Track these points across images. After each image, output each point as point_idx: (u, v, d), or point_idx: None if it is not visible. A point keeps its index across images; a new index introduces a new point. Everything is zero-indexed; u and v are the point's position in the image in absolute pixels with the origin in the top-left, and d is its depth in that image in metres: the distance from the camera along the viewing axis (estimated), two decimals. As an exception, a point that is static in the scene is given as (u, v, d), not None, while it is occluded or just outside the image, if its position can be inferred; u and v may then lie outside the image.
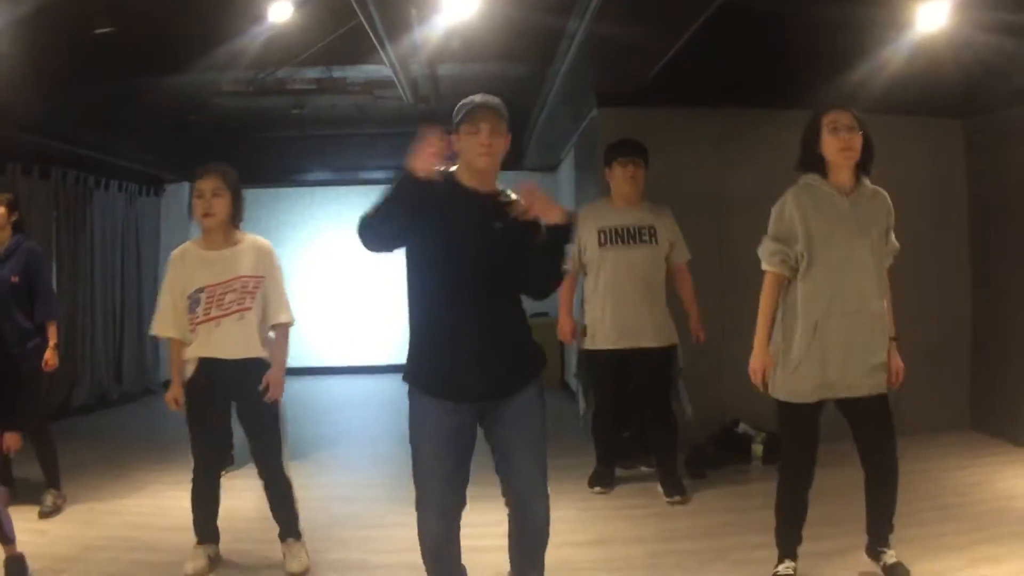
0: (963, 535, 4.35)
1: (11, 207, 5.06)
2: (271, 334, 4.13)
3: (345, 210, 10.48)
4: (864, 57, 5.36)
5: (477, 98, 3.04)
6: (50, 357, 4.94)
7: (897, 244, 3.78)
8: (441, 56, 5.79)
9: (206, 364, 3.97)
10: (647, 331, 5.09)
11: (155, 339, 5.54)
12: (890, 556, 3.73)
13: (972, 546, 4.22)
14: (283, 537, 4.17)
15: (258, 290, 4.01)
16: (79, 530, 4.92)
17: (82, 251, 8.66)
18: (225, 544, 4.31)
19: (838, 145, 3.54)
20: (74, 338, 8.44)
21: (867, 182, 3.68)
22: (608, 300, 5.13)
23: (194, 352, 3.99)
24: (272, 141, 9.36)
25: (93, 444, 7.12)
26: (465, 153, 3.04)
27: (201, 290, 3.91)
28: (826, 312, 3.55)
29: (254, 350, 4.02)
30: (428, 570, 3.11)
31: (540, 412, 3.14)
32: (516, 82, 6.66)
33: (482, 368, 2.97)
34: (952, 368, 6.86)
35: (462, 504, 3.10)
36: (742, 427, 5.95)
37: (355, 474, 6.21)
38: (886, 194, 3.75)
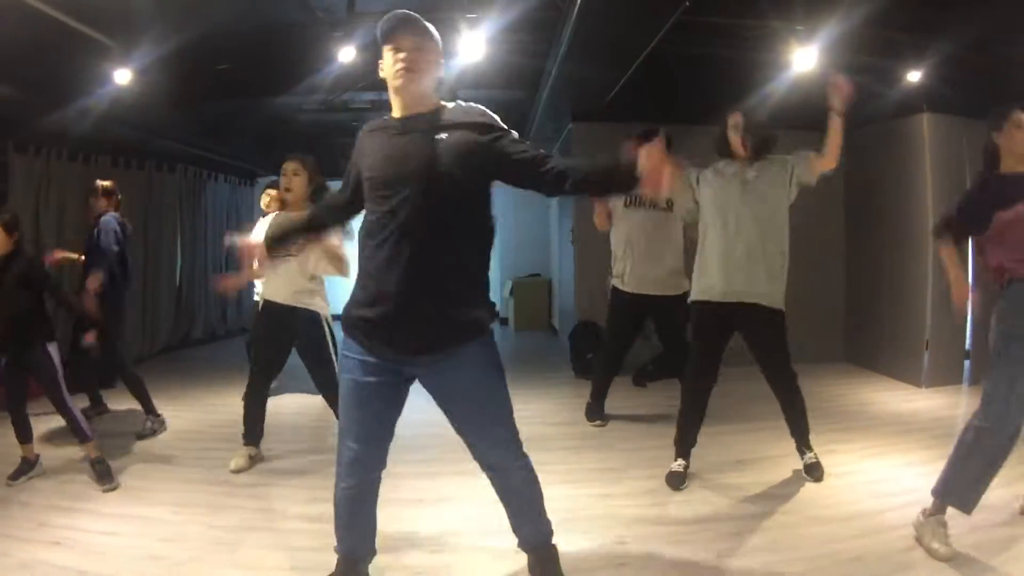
0: (822, 429, 4.43)
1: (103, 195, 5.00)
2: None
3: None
4: (758, 86, 5.35)
5: (398, 13, 2.22)
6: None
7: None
8: (460, 84, 5.93)
9: (267, 304, 4.00)
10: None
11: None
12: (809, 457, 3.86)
13: (828, 434, 4.49)
14: None
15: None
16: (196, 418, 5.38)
17: (198, 227, 8.93)
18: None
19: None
20: (192, 290, 8.81)
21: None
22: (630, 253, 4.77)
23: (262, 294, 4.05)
24: (336, 146, 9.62)
25: (206, 367, 7.47)
26: (387, 77, 2.26)
27: None
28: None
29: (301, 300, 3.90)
30: (336, 517, 2.59)
31: (484, 374, 2.33)
32: (514, 103, 6.86)
33: (403, 325, 2.20)
34: (829, 313, 7.05)
35: (379, 461, 2.48)
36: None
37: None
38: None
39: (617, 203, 4.76)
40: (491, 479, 2.48)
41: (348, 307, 2.32)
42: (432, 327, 2.20)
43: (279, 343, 4.09)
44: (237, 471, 4.01)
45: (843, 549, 3.00)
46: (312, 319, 3.97)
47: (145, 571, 2.85)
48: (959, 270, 3.16)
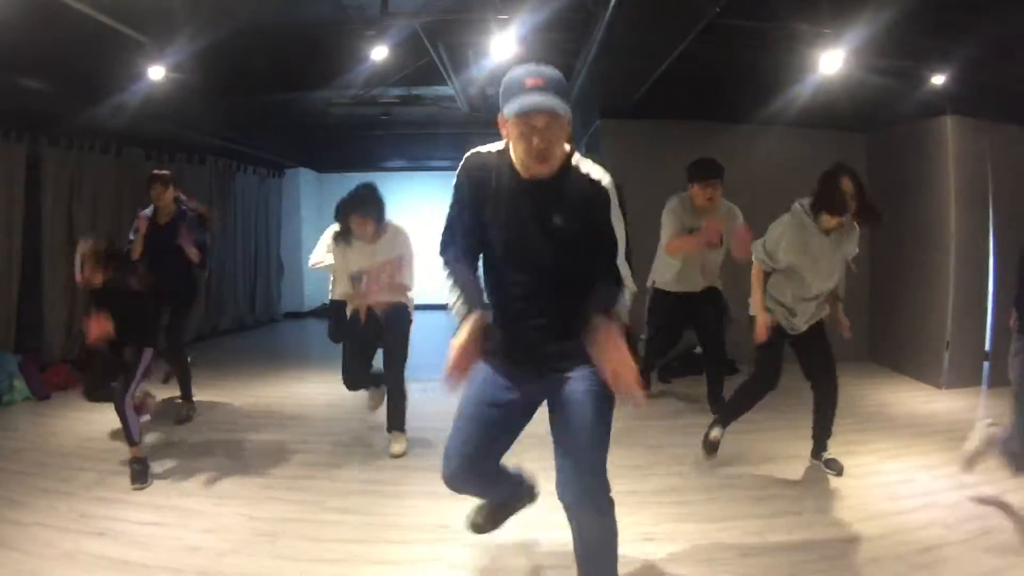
0: (843, 429, 4.40)
1: (175, 184, 5.08)
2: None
3: (417, 188, 10.91)
4: (786, 87, 5.56)
5: (528, 84, 2.05)
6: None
7: None
8: (489, 81, 6.08)
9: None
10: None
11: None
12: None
13: (847, 434, 4.50)
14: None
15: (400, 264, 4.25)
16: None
17: (229, 217, 9.02)
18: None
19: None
20: (222, 280, 8.91)
21: None
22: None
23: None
24: (364, 138, 9.61)
25: (237, 357, 7.59)
26: (516, 152, 2.15)
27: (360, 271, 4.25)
28: None
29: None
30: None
31: (601, 394, 2.19)
32: None
33: (543, 337, 2.26)
34: (853, 313, 7.10)
35: (489, 468, 2.45)
36: (697, 350, 5.73)
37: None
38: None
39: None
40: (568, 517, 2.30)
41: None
42: (549, 361, 2.30)
43: (370, 337, 4.44)
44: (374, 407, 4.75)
45: (861, 550, 3.06)
46: (405, 315, 4.36)
47: (187, 561, 2.94)
48: None
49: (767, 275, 3.92)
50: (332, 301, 5.12)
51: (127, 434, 3.85)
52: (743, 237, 4.01)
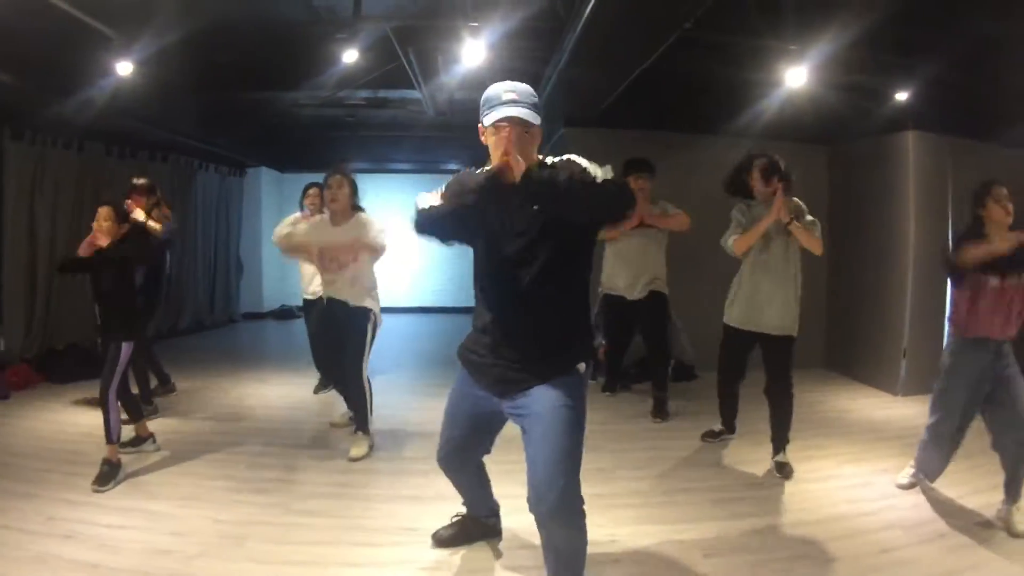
0: (801, 435, 4.60)
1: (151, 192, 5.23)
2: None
3: (379, 189, 10.85)
4: (751, 100, 5.70)
5: (504, 98, 2.34)
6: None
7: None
8: (458, 87, 6.06)
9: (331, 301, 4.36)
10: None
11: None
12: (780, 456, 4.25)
13: (807, 439, 4.69)
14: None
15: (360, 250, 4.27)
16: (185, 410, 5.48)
17: (189, 216, 8.91)
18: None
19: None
20: (182, 279, 8.80)
21: None
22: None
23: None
24: (328, 139, 9.48)
25: (197, 358, 7.50)
26: (493, 157, 2.39)
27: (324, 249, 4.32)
28: None
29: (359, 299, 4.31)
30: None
31: (560, 411, 2.37)
32: None
33: (496, 362, 2.48)
34: (811, 321, 7.29)
35: (480, 457, 2.90)
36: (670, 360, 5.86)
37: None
38: None
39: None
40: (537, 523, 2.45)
41: (465, 342, 2.67)
42: (519, 367, 2.50)
43: (337, 334, 4.43)
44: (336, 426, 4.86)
45: (820, 551, 3.18)
46: (364, 313, 4.33)
47: (157, 565, 2.95)
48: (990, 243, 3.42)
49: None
50: (305, 300, 5.38)
51: (106, 430, 3.86)
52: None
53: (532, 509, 2.38)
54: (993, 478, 3.67)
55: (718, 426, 4.76)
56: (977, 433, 4.30)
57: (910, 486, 3.96)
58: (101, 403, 3.90)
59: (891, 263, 6.21)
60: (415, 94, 6.50)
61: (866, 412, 5.61)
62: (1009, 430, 3.44)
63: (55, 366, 6.17)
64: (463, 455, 2.84)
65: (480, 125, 2.41)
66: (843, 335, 7.04)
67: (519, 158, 2.26)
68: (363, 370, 4.37)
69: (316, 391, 5.89)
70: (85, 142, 6.90)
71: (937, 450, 3.75)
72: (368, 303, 4.34)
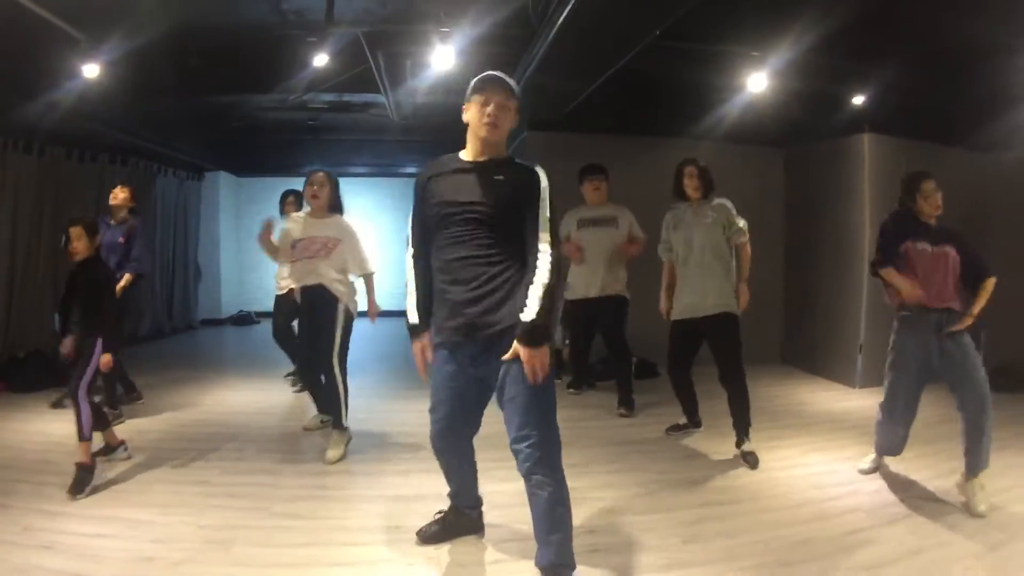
0: (764, 426, 4.90)
1: (132, 193, 5.55)
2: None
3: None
4: (714, 105, 5.88)
5: (493, 72, 2.69)
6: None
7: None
8: (423, 91, 6.08)
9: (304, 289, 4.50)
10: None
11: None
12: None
13: (770, 431, 4.92)
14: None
15: (335, 248, 4.46)
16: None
17: (148, 220, 8.66)
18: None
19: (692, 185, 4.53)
20: (140, 285, 8.77)
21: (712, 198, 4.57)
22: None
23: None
24: (289, 143, 9.47)
25: (158, 365, 7.42)
26: (471, 123, 2.69)
27: (299, 240, 4.45)
28: None
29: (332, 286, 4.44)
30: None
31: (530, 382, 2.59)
32: None
33: (465, 312, 2.66)
34: (768, 318, 7.48)
35: (469, 436, 3.02)
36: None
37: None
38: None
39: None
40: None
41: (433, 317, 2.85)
42: (483, 317, 2.71)
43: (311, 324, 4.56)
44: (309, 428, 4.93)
45: (792, 533, 3.35)
46: (332, 300, 4.43)
47: (143, 572, 2.93)
48: (903, 279, 3.78)
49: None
50: (276, 296, 5.61)
51: (78, 427, 3.85)
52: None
53: (522, 467, 2.66)
54: (954, 462, 3.88)
55: (682, 419, 4.95)
56: (939, 418, 4.55)
57: (871, 471, 4.17)
58: (72, 399, 3.89)
59: (847, 261, 6.45)
60: (380, 98, 6.52)
61: (826, 404, 5.83)
62: (968, 397, 3.65)
63: (16, 374, 6.08)
64: (461, 430, 2.98)
65: (464, 106, 2.72)
66: (800, 331, 7.27)
67: None
68: (334, 362, 4.42)
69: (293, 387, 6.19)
70: (46, 146, 6.79)
71: (891, 425, 3.98)
72: (339, 291, 4.44)
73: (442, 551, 3.17)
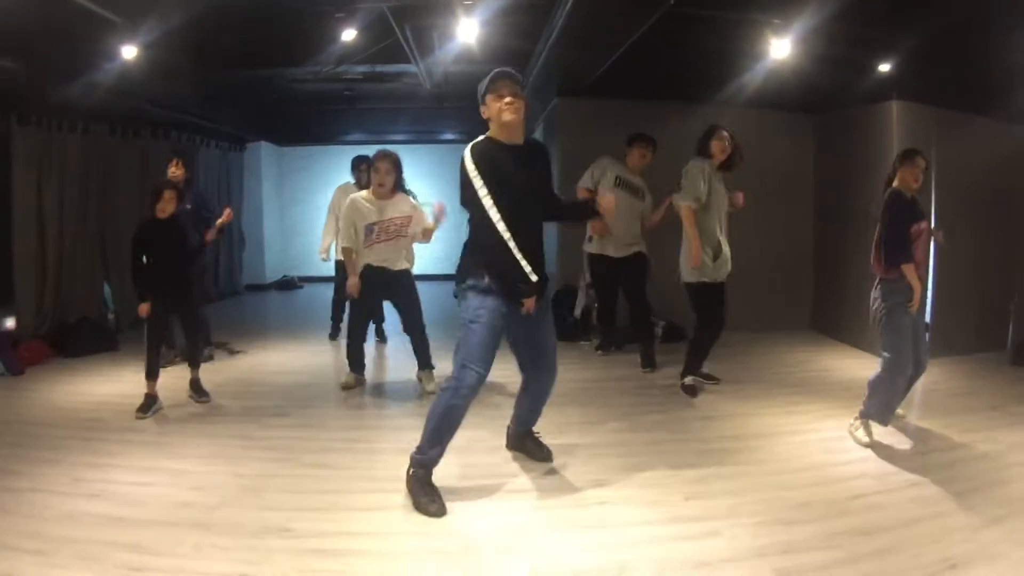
0: (783, 391, 5.13)
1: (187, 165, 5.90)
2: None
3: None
4: (740, 71, 5.90)
5: (497, 70, 3.18)
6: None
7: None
8: (452, 60, 6.24)
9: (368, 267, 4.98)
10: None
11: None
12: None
13: (788, 396, 5.04)
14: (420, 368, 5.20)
15: (408, 226, 4.94)
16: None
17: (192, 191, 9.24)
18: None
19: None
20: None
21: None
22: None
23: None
24: (326, 113, 9.69)
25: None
26: (494, 115, 3.20)
27: (375, 224, 4.89)
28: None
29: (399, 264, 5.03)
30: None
31: (547, 318, 3.50)
32: None
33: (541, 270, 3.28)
34: (799, 285, 7.60)
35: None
36: (652, 317, 6.23)
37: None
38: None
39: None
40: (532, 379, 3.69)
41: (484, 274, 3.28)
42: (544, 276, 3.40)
43: (376, 295, 5.23)
44: (347, 388, 5.20)
45: (795, 496, 3.45)
46: (410, 279, 5.13)
47: (181, 515, 3.22)
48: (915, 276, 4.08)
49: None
50: (337, 262, 6.04)
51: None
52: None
53: (536, 374, 3.61)
54: (966, 435, 4.00)
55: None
56: (947, 393, 4.57)
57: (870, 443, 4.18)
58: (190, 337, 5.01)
59: (873, 229, 6.41)
60: (412, 68, 6.68)
61: (848, 372, 5.86)
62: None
63: (67, 341, 6.44)
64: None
65: (482, 104, 3.23)
66: (830, 298, 7.29)
67: None
68: (422, 319, 5.14)
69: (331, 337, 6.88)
70: (90, 124, 7.11)
71: (893, 387, 4.12)
72: (406, 266, 5.09)
73: (458, 501, 3.36)
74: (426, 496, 3.27)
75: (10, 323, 6.54)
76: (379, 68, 7.13)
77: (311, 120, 10.20)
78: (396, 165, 4.90)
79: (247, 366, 6.12)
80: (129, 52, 5.17)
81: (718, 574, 2.76)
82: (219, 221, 5.50)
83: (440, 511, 3.21)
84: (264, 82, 7.37)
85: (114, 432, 4.24)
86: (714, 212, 4.87)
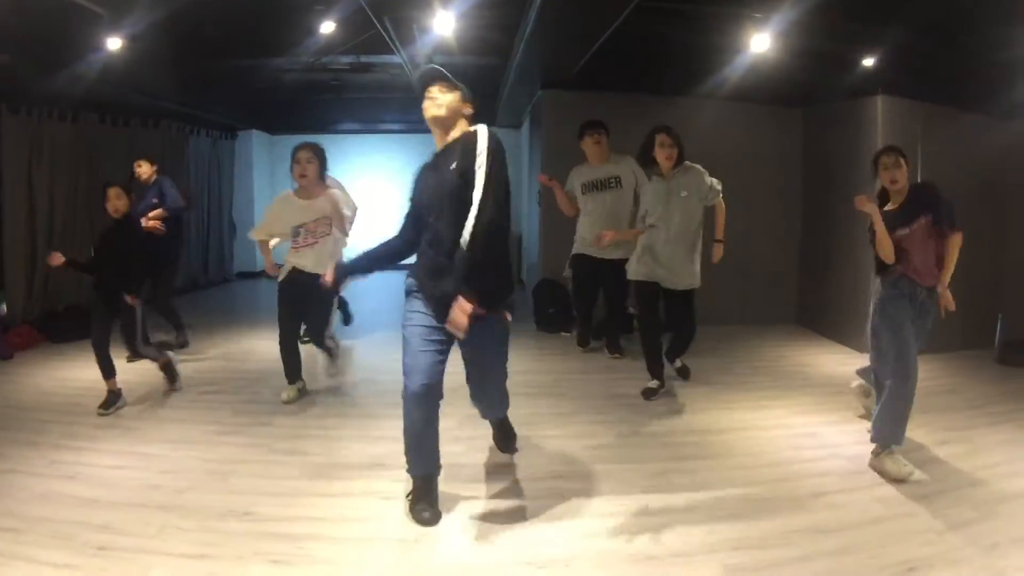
0: (759, 385, 5.19)
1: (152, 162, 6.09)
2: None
3: (368, 150, 11.29)
4: (721, 65, 5.92)
5: (430, 69, 3.09)
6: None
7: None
8: (436, 50, 6.25)
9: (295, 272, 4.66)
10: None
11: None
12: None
13: (763, 391, 5.08)
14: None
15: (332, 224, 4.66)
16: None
17: (181, 180, 8.99)
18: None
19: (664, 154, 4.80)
20: (181, 227, 9.15)
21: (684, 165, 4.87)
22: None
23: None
24: (316, 102, 9.76)
25: (187, 315, 7.52)
26: (426, 115, 3.08)
27: (301, 226, 4.62)
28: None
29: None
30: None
31: (491, 333, 3.13)
32: (487, 69, 7.12)
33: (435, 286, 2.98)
34: (783, 280, 7.65)
35: (438, 387, 3.07)
36: (631, 309, 5.98)
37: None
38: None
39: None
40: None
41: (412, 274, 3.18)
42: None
43: (303, 301, 4.75)
44: (288, 401, 4.80)
45: (756, 492, 3.47)
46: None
47: (150, 497, 3.33)
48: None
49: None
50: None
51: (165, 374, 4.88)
52: None
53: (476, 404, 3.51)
54: (943, 435, 4.06)
55: (654, 383, 5.03)
56: (929, 391, 4.73)
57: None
58: (138, 356, 4.90)
59: (860, 223, 6.45)
60: (395, 58, 6.73)
61: (827, 367, 5.91)
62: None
63: (55, 327, 6.60)
64: (437, 382, 3.12)
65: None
66: (815, 292, 7.35)
67: None
68: (326, 335, 4.97)
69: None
70: (80, 112, 7.22)
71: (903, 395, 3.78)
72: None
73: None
74: (420, 503, 3.20)
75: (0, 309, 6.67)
76: (364, 59, 7.18)
77: (301, 109, 10.25)
78: (317, 154, 4.65)
79: (230, 351, 6.25)
80: (114, 44, 5.26)
81: (665, 568, 2.78)
82: (153, 215, 5.81)
83: (433, 519, 3.15)
84: (250, 72, 7.42)
85: (93, 417, 4.40)
86: (661, 225, 4.87)
